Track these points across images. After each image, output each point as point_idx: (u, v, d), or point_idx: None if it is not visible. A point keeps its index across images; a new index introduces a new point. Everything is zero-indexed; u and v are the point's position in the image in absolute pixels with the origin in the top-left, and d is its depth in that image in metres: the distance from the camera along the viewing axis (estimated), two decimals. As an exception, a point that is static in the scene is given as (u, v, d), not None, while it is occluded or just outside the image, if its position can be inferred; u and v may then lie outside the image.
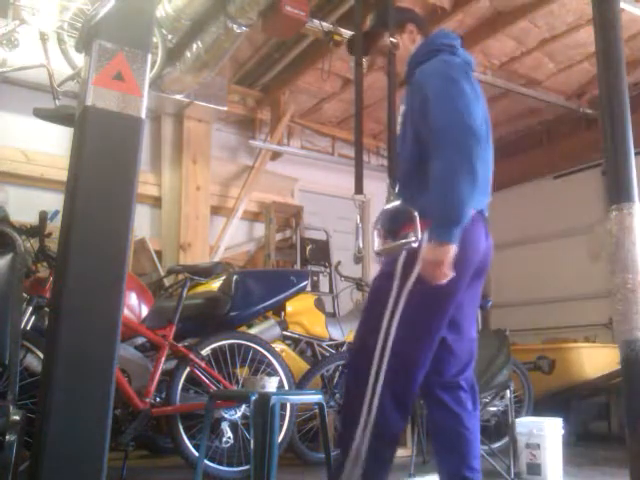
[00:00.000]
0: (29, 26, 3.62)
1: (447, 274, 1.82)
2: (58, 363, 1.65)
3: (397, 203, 1.89)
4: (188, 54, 4.62)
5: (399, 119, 2.13)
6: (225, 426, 3.24)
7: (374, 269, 6.70)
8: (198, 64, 4.65)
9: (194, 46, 4.54)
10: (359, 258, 2.01)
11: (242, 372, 3.45)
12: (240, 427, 3.29)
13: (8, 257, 2.17)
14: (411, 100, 2.06)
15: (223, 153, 6.35)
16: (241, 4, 4.04)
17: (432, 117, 1.89)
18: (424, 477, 3.33)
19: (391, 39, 1.98)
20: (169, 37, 4.33)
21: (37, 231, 3.31)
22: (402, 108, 2.13)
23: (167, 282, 4.82)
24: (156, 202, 5.71)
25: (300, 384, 3.70)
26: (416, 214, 1.81)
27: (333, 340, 4.35)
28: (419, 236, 1.81)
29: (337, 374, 4.02)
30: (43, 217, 3.35)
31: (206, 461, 3.08)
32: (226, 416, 3.27)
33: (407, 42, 2.19)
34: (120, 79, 1.78)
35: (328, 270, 6.03)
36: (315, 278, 5.82)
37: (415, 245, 1.83)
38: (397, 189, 1.90)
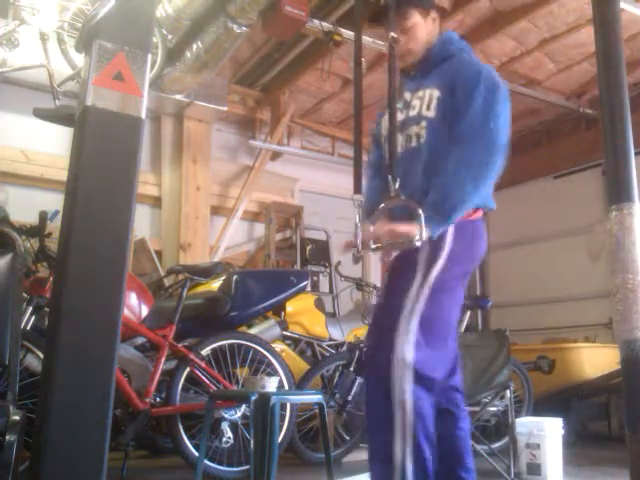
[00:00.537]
0: (29, 26, 3.62)
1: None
2: (58, 363, 1.64)
3: (403, 199, 1.89)
4: (188, 54, 4.62)
5: (428, 105, 2.05)
6: (225, 426, 3.24)
7: (374, 269, 6.70)
8: (198, 64, 4.65)
9: (194, 46, 4.54)
10: (358, 258, 2.00)
11: (242, 372, 3.45)
12: (240, 427, 3.29)
13: (8, 257, 2.17)
14: (446, 85, 2.00)
15: (223, 153, 6.36)
16: (241, 4, 4.04)
17: (474, 115, 1.92)
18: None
19: (392, 34, 1.97)
20: (169, 37, 4.34)
21: (37, 231, 3.32)
22: (433, 94, 2.03)
23: (167, 282, 4.82)
24: (156, 202, 5.71)
25: (300, 384, 3.70)
26: (421, 212, 1.81)
27: (333, 340, 4.36)
28: (424, 236, 1.81)
29: (337, 374, 4.02)
30: (43, 217, 3.35)
31: (206, 461, 3.08)
32: (226, 416, 3.27)
33: (431, 28, 2.15)
34: (120, 79, 1.78)
35: (328, 270, 6.04)
36: (315, 278, 5.83)
37: (418, 244, 1.82)
38: (398, 185, 1.89)
